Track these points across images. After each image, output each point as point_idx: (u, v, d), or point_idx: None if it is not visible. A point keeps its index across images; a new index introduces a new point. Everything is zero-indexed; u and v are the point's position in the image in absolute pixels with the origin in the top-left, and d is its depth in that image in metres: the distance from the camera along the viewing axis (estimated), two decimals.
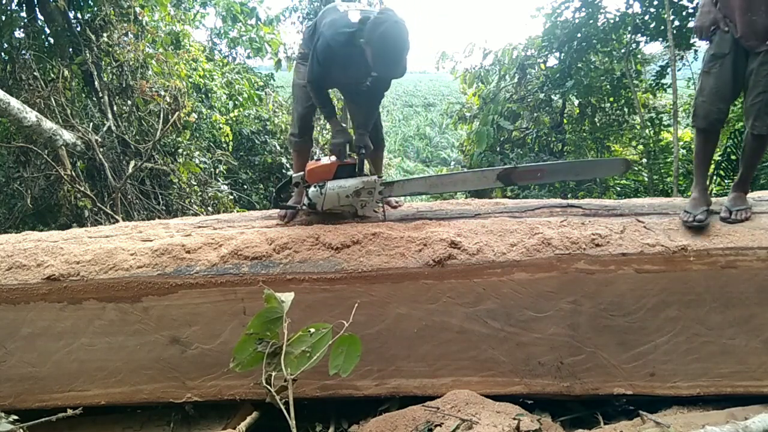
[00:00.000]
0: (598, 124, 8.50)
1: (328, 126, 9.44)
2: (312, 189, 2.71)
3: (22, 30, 6.60)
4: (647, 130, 7.65)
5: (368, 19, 2.56)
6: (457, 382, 2.45)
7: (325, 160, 2.78)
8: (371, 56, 2.53)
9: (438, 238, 2.48)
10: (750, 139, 2.51)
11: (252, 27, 10.64)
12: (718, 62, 2.43)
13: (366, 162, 2.92)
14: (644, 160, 7.71)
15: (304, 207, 2.78)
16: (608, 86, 8.08)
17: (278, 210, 2.94)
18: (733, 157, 6.01)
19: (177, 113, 6.52)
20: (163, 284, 2.48)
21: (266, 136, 8.75)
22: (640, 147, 7.89)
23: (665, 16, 6.46)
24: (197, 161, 7.13)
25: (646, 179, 7.48)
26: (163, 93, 6.61)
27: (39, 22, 6.62)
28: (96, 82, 6.48)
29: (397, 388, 2.49)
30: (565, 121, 9.04)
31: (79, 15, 6.59)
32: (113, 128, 6.52)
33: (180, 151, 6.93)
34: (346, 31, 2.58)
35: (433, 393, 2.43)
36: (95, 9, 6.63)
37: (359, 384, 2.49)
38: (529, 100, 8.97)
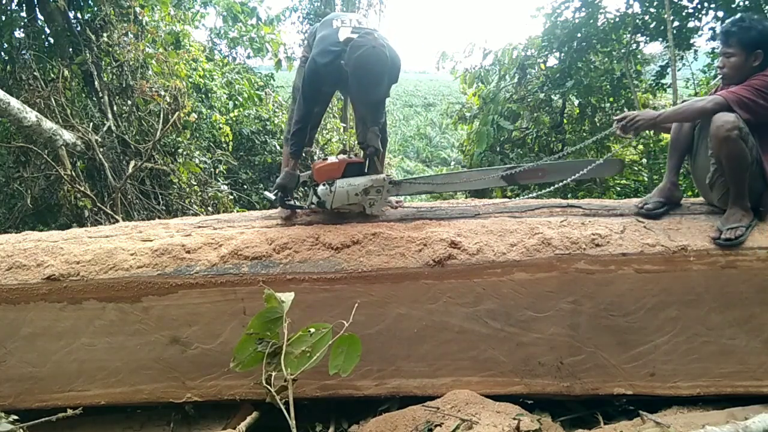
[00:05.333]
0: (598, 124, 8.49)
1: (328, 125, 9.46)
2: (321, 187, 2.71)
3: (22, 30, 6.60)
4: (647, 130, 7.63)
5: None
6: (457, 382, 2.45)
7: (333, 159, 2.79)
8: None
9: (438, 238, 2.48)
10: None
11: (252, 27, 10.63)
12: None
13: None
14: (644, 160, 7.71)
15: (312, 205, 2.79)
16: (608, 86, 8.08)
17: (278, 210, 2.94)
18: None
19: (177, 113, 6.51)
20: (163, 284, 2.48)
21: (266, 136, 8.75)
22: (640, 147, 7.88)
23: (665, 16, 6.46)
24: (197, 161, 7.12)
25: (646, 179, 7.48)
26: (163, 93, 6.60)
27: (39, 22, 6.61)
28: (96, 82, 6.47)
29: (397, 388, 2.49)
30: (565, 121, 9.03)
31: (79, 15, 6.58)
32: (113, 128, 6.50)
33: (180, 151, 6.92)
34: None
35: (433, 393, 2.43)
36: (95, 9, 6.62)
37: (359, 384, 2.49)
38: (529, 100, 8.95)
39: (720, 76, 2.58)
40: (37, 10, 6.54)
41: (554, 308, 2.39)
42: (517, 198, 3.44)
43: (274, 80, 10.60)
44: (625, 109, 8.30)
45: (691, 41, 7.08)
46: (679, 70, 7.16)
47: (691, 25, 6.94)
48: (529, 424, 2.07)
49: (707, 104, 2.35)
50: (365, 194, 2.72)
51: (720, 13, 6.59)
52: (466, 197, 3.45)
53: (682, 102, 2.59)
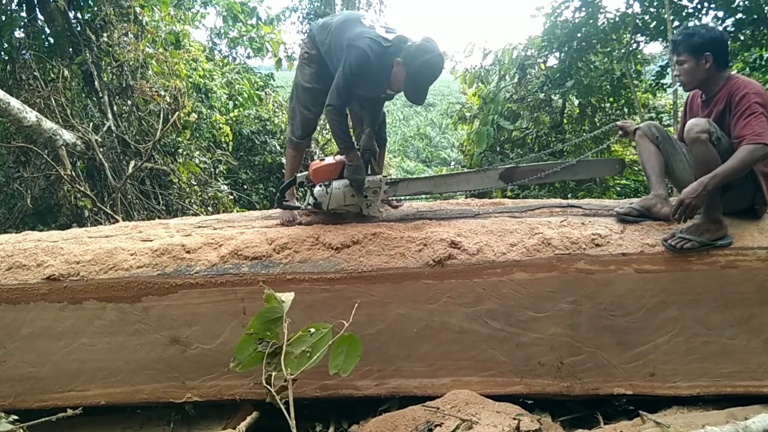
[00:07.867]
0: (598, 124, 8.49)
1: (328, 126, 9.44)
2: (318, 188, 2.69)
3: (22, 30, 6.61)
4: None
5: (404, 40, 2.59)
6: (457, 382, 2.45)
7: (330, 160, 2.77)
8: (403, 79, 2.56)
9: (438, 238, 2.48)
10: None
11: (252, 27, 10.64)
12: None
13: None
14: None
15: (308, 207, 2.77)
16: (608, 86, 8.08)
17: (279, 211, 2.93)
18: None
19: (177, 113, 6.52)
20: (163, 284, 2.48)
21: (266, 136, 8.76)
22: None
23: (665, 16, 6.46)
24: (197, 161, 7.14)
25: (646, 179, 7.47)
26: (163, 93, 6.61)
27: (39, 22, 6.63)
28: (96, 82, 6.49)
29: (397, 388, 2.49)
30: (565, 121, 9.04)
31: (79, 15, 6.59)
32: (113, 128, 6.52)
33: (180, 151, 6.93)
34: (381, 44, 2.58)
35: (433, 393, 2.43)
36: (95, 9, 6.64)
37: (359, 384, 2.49)
38: (529, 100, 8.95)
39: (679, 84, 2.65)
40: (37, 10, 6.55)
41: (554, 308, 2.39)
42: (518, 198, 3.44)
43: (274, 80, 10.60)
44: (625, 109, 8.31)
45: None
46: None
47: (691, 24, 6.94)
48: (529, 424, 2.07)
49: (755, 152, 2.19)
50: (362, 195, 2.71)
51: (720, 13, 6.60)
52: (466, 197, 3.45)
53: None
